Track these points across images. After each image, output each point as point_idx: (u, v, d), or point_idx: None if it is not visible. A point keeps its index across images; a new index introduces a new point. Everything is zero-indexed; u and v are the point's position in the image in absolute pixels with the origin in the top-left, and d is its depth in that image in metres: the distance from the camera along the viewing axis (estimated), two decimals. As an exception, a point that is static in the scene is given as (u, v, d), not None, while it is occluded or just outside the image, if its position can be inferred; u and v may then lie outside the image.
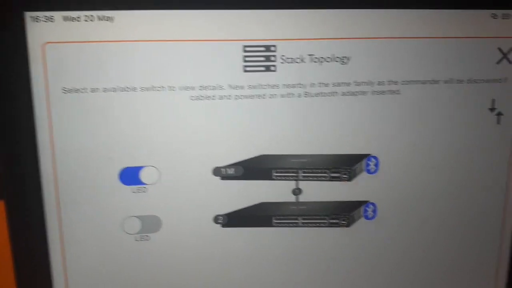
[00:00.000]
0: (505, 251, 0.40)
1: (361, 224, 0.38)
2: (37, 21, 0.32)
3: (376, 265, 0.39)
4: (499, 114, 0.37)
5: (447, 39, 0.36)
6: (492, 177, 0.38)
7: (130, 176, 0.35)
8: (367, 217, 0.38)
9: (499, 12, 0.36)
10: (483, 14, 0.36)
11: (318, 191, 0.37)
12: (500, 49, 0.36)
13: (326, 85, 0.35)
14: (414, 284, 0.39)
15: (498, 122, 0.37)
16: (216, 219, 0.36)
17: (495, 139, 0.38)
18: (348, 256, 0.38)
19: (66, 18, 0.32)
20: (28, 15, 0.32)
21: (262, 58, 0.34)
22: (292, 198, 0.37)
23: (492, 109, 0.37)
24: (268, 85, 0.35)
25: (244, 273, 0.38)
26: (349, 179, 0.37)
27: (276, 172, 0.36)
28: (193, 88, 0.34)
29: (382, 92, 0.36)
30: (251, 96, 0.35)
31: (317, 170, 0.36)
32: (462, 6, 0.35)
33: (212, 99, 0.35)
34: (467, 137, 0.37)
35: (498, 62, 0.36)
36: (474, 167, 0.38)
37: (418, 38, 0.35)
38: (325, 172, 0.36)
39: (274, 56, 0.34)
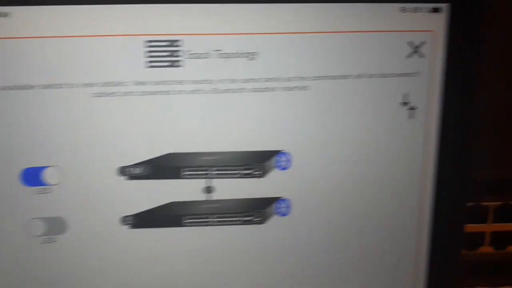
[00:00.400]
0: (422, 244, 0.40)
1: (275, 220, 0.38)
2: None
3: (292, 261, 0.39)
4: (412, 108, 0.38)
5: (356, 33, 0.36)
6: (406, 171, 0.39)
7: (33, 177, 0.34)
8: (281, 213, 0.38)
9: (408, 5, 0.36)
10: (391, 8, 0.36)
11: (230, 188, 0.37)
12: (410, 43, 0.36)
13: (234, 81, 0.35)
14: (330, 278, 0.40)
15: (411, 116, 0.38)
16: (123, 220, 0.36)
17: (408, 133, 0.38)
18: (264, 253, 0.38)
19: (-42, 13, 0.31)
20: None
21: (166, 53, 0.34)
22: (203, 197, 0.36)
23: (404, 104, 0.37)
24: (174, 81, 0.34)
25: (154, 274, 0.37)
26: (262, 176, 0.37)
27: (185, 171, 0.35)
28: (95, 85, 0.34)
29: (292, 88, 0.36)
30: (156, 93, 0.34)
31: (228, 168, 0.36)
32: None
33: (115, 95, 0.34)
34: (380, 132, 0.37)
35: (408, 56, 0.36)
36: (388, 161, 0.38)
37: (327, 33, 0.35)
38: (236, 169, 0.36)
39: (179, 51, 0.34)
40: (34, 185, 0.34)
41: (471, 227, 0.56)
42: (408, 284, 0.41)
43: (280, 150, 0.36)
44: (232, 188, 0.37)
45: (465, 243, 0.56)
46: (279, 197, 0.37)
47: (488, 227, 0.56)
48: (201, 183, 0.36)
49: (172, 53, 0.34)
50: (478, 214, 0.56)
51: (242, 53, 0.34)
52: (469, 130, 0.38)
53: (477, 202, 0.55)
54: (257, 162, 0.36)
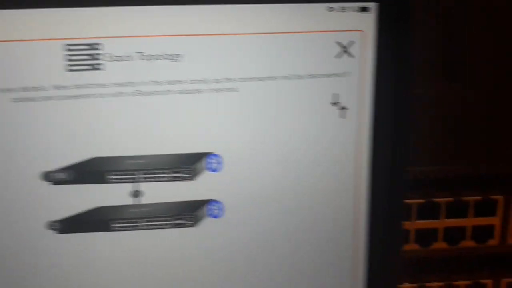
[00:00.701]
0: (359, 243, 0.40)
1: (208, 223, 0.38)
2: None
3: (227, 263, 0.39)
4: (343, 108, 0.38)
5: (284, 34, 0.35)
6: (340, 170, 0.39)
7: (-46, 184, 0.34)
8: (213, 216, 0.37)
9: (335, 5, 0.36)
10: (319, 8, 0.35)
11: (161, 192, 0.37)
12: (338, 43, 0.36)
13: (158, 83, 0.35)
14: (266, 280, 0.40)
15: (342, 116, 0.38)
16: (50, 226, 0.35)
17: (340, 134, 0.38)
18: (198, 255, 0.38)
19: None
20: None
21: (86, 56, 0.33)
22: (131, 201, 0.36)
23: (334, 104, 0.37)
24: (96, 84, 0.34)
25: (83, 279, 0.37)
26: (191, 178, 0.36)
27: (111, 175, 0.35)
28: (14, 90, 0.33)
29: (219, 90, 0.35)
30: (78, 96, 0.34)
31: (156, 171, 0.36)
32: (297, 0, 0.35)
33: (36, 100, 0.33)
34: (311, 132, 0.37)
35: (337, 56, 0.36)
36: (321, 161, 0.38)
37: (253, 34, 0.35)
38: (165, 173, 0.36)
39: (100, 54, 0.33)
40: (-44, 192, 0.34)
41: (423, 224, 0.56)
42: (348, 283, 0.41)
43: (210, 152, 0.36)
44: (163, 192, 0.36)
45: (418, 239, 0.56)
46: (210, 199, 0.37)
47: (441, 223, 0.56)
48: (129, 187, 0.36)
49: (93, 56, 0.33)
50: (430, 210, 0.56)
51: (165, 55, 0.34)
52: (402, 129, 0.38)
53: (428, 198, 0.55)
54: (186, 165, 0.36)
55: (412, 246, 0.57)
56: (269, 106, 0.36)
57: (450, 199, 0.56)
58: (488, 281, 0.60)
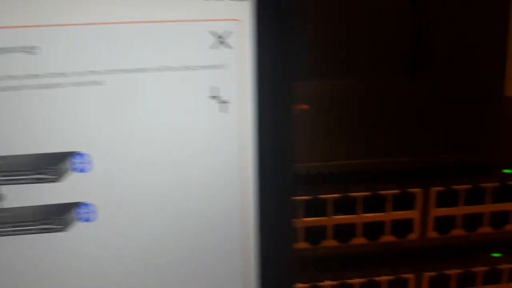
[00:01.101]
0: (249, 243, 0.40)
1: (80, 227, 0.36)
2: None
3: (103, 268, 0.38)
4: (224, 102, 0.37)
5: (152, 23, 0.34)
6: (224, 167, 0.38)
7: None
8: (84, 219, 0.36)
9: (209, -8, 0.35)
10: (190, -5, 0.34)
11: (25, 195, 0.35)
12: (213, 33, 0.35)
13: (14, 78, 0.33)
14: (148, 285, 0.39)
15: (223, 110, 0.37)
16: None
17: (222, 129, 0.37)
18: (71, 261, 0.37)
19: None
20: None
21: None
22: (-9, 205, 0.35)
23: (213, 97, 0.36)
24: None
25: None
26: (57, 180, 0.35)
27: (-36, 178, 0.33)
28: None
29: (83, 84, 0.34)
30: None
31: (17, 172, 0.34)
32: (165, -13, 0.34)
33: None
34: (189, 128, 0.37)
35: (213, 47, 0.35)
36: (203, 158, 0.37)
37: (118, 24, 0.34)
38: (27, 174, 0.34)
39: None
40: None
41: (340, 219, 0.56)
42: (239, 283, 0.40)
43: (76, 151, 0.35)
44: (27, 195, 0.35)
45: (336, 235, 0.56)
46: (79, 202, 0.36)
47: (359, 218, 0.56)
48: (-13, 190, 0.34)
49: None
50: (347, 205, 0.56)
51: (20, 48, 0.32)
52: (287, 123, 0.38)
53: (344, 193, 0.55)
54: (50, 166, 0.34)
55: (330, 243, 0.57)
56: (141, 100, 0.35)
57: (367, 193, 0.56)
58: (410, 276, 0.60)
